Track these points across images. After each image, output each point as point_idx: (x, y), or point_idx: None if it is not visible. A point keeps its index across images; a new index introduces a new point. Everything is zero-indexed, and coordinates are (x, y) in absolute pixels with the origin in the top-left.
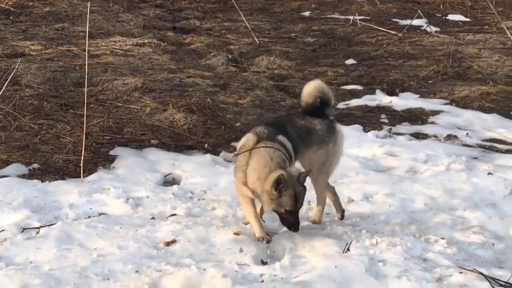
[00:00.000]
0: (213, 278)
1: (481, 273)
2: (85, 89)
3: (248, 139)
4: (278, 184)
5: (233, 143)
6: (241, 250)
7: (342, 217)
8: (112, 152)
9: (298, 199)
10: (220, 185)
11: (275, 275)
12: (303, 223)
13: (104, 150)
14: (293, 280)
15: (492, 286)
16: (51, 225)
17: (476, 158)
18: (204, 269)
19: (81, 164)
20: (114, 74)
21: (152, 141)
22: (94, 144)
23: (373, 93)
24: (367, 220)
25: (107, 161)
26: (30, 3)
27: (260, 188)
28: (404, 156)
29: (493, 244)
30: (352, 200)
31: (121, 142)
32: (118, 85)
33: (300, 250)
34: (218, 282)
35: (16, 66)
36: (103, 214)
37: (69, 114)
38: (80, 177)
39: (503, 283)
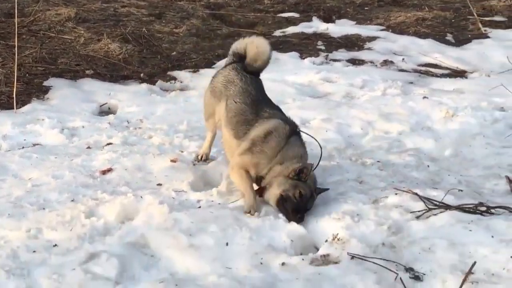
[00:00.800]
0: (150, 205)
1: (416, 194)
2: (16, 20)
3: (279, 127)
4: (302, 171)
5: (169, 72)
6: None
7: None
8: (46, 83)
9: (312, 195)
10: (157, 114)
11: (212, 201)
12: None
13: (37, 81)
14: (230, 205)
15: (426, 206)
16: None
17: (411, 82)
18: (141, 197)
19: (14, 96)
20: (47, 5)
21: (87, 72)
22: (27, 75)
23: (310, 20)
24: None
25: (41, 92)
26: None
27: (279, 171)
28: (341, 82)
29: (428, 166)
30: None
31: (55, 73)
32: (51, 16)
33: None
34: (155, 209)
35: None
36: (37, 144)
37: (0, 45)
38: (13, 108)
39: (437, 203)
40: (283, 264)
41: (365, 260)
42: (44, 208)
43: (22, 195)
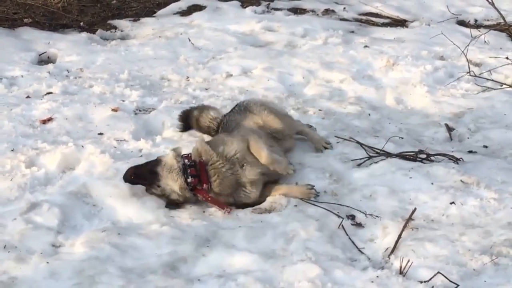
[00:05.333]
0: (91, 155)
1: (357, 142)
2: None
3: None
4: None
5: (109, 21)
6: None
7: None
8: None
9: None
10: (97, 63)
11: (156, 149)
12: (182, 98)
13: None
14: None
15: (367, 153)
16: None
17: (353, 32)
18: (82, 146)
19: None
20: None
21: (25, 20)
22: None
23: None
24: (246, 94)
25: None
26: None
27: None
28: (282, 31)
29: (369, 114)
30: (231, 75)
31: None
32: None
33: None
34: (96, 159)
35: None
36: None
37: None
38: None
39: (378, 151)
40: (225, 212)
41: (312, 204)
42: None
43: None
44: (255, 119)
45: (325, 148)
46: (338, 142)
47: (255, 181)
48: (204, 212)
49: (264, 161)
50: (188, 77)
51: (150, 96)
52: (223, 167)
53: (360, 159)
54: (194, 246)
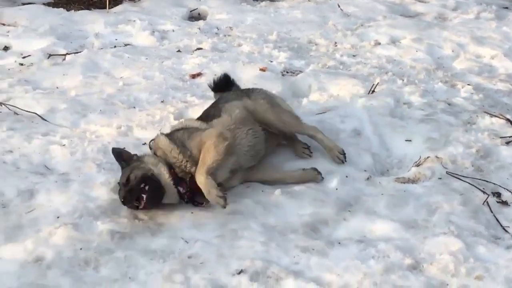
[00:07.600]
0: None
1: (508, 120)
2: None
3: None
4: None
5: None
6: None
7: None
8: None
9: None
10: (247, 23)
11: (302, 110)
12: (330, 63)
13: None
14: (317, 116)
15: None
16: (77, 52)
17: (506, 8)
18: None
19: None
20: None
21: None
22: None
23: None
24: (394, 63)
25: None
26: None
27: None
28: (433, 2)
29: None
30: (379, 43)
31: None
32: None
33: (327, 88)
34: None
35: None
36: (128, 44)
37: None
38: (105, 8)
39: None
40: (368, 178)
41: (458, 178)
42: (134, 107)
43: (114, 93)
44: (247, 103)
45: (339, 159)
46: (486, 118)
47: (227, 180)
48: (347, 177)
49: (198, 183)
50: (336, 43)
51: (297, 59)
52: (191, 168)
53: (510, 137)
54: (335, 209)
